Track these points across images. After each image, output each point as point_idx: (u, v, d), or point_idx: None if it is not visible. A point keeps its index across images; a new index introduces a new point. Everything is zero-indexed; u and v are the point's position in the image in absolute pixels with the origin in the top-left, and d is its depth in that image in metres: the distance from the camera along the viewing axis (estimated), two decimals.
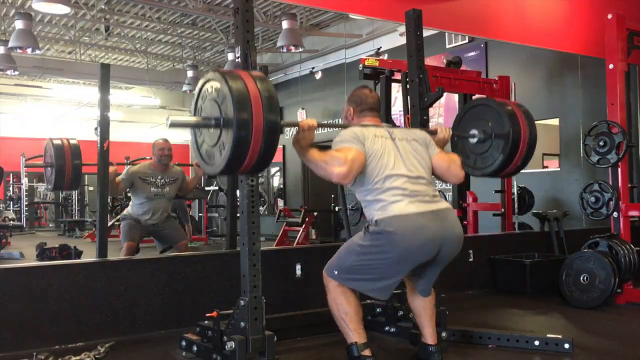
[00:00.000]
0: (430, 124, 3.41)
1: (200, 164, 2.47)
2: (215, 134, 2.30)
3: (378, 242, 2.43)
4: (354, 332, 2.51)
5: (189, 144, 16.46)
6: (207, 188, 13.03)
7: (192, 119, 2.43)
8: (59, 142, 4.33)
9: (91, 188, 15.23)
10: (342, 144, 2.52)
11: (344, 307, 2.52)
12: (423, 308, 2.69)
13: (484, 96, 3.15)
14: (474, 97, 5.84)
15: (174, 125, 2.31)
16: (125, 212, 4.76)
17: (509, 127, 3.07)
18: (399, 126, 3.01)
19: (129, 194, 5.54)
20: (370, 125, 2.66)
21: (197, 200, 11.46)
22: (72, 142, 4.36)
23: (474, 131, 3.21)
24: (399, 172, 2.51)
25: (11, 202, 13.74)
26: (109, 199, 4.26)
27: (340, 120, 10.58)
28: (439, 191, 2.68)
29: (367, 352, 2.49)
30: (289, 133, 12.20)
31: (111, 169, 4.25)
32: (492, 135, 3.15)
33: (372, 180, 2.50)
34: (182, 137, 16.74)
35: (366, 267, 2.47)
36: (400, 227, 2.38)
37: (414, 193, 2.48)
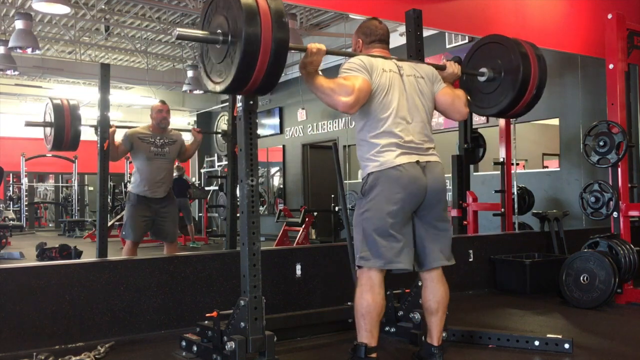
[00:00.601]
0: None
1: (206, 82, 2.46)
2: (223, 50, 2.29)
3: (373, 195, 2.47)
4: (368, 333, 2.45)
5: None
6: (207, 188, 13.05)
7: (200, 32, 2.41)
8: (58, 101, 4.29)
9: (91, 188, 15.25)
10: (349, 72, 2.50)
11: (368, 304, 2.45)
12: (436, 309, 2.63)
13: (494, 34, 3.15)
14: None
15: (181, 37, 2.30)
16: (128, 191, 4.68)
17: (520, 65, 3.03)
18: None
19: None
20: (379, 56, 2.64)
21: (197, 200, 11.46)
22: (71, 102, 4.33)
23: (483, 69, 3.18)
24: (401, 115, 2.53)
25: (11, 202, 13.75)
26: (109, 199, 4.24)
27: (339, 120, 10.59)
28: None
29: (373, 355, 2.46)
30: (289, 133, 12.25)
31: (111, 130, 4.21)
32: (501, 73, 3.10)
33: (376, 115, 2.51)
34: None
35: (370, 223, 2.47)
36: (391, 176, 2.45)
37: (408, 143, 2.51)
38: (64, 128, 4.21)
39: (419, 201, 2.51)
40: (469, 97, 3.12)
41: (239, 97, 2.68)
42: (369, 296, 2.46)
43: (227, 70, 2.28)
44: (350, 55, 2.66)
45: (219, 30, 2.31)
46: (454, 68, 2.91)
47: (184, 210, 9.76)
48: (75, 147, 4.41)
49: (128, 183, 11.33)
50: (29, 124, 4.55)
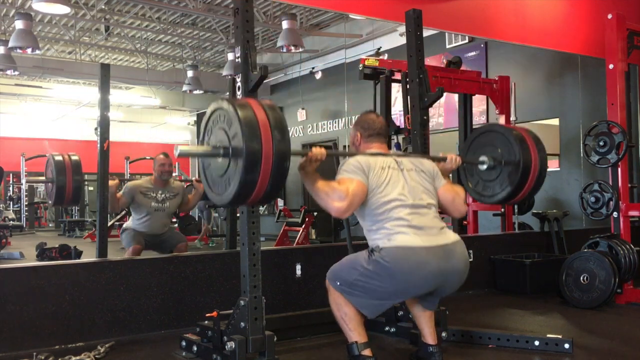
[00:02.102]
0: (430, 124, 3.41)
1: (208, 194, 2.44)
2: (224, 164, 2.26)
3: (379, 271, 2.42)
4: (354, 332, 2.52)
5: (189, 144, 16.50)
6: None
7: (201, 148, 2.40)
8: (60, 157, 4.33)
9: (91, 188, 15.23)
10: (345, 174, 2.51)
11: (343, 308, 2.53)
12: (422, 310, 2.71)
13: (494, 122, 3.15)
14: (473, 97, 5.85)
15: (182, 154, 2.28)
16: (125, 225, 4.80)
17: (519, 154, 3.03)
18: (404, 152, 3.00)
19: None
20: (378, 154, 2.65)
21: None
22: (73, 157, 4.36)
23: (483, 158, 3.18)
24: (405, 202, 2.50)
25: (11, 202, 13.73)
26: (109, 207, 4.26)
27: (339, 120, 10.59)
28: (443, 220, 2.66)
29: (367, 352, 2.50)
30: (290, 132, 12.24)
31: (112, 182, 4.25)
32: (502, 162, 3.12)
33: (377, 211, 2.49)
34: (183, 137, 16.78)
35: (366, 287, 2.47)
36: (401, 261, 2.38)
37: (420, 225, 2.47)
38: (65, 185, 4.25)
39: (432, 287, 2.49)
40: (470, 184, 3.20)
41: (239, 97, 2.68)
42: (342, 300, 2.54)
43: (229, 184, 2.25)
44: (350, 154, 2.67)
45: (219, 145, 2.28)
46: (453, 164, 2.92)
47: (205, 211, 10.13)
48: (77, 202, 4.48)
49: (128, 183, 11.34)
50: (29, 181, 4.64)
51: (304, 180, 2.53)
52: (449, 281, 2.50)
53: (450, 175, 2.99)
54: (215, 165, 2.34)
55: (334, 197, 2.43)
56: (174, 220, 7.06)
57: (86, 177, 15.00)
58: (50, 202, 4.52)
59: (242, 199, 2.26)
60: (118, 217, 10.00)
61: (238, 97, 2.68)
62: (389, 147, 5.11)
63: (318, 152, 2.48)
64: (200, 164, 2.49)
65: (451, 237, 2.54)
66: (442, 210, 2.75)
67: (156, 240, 4.69)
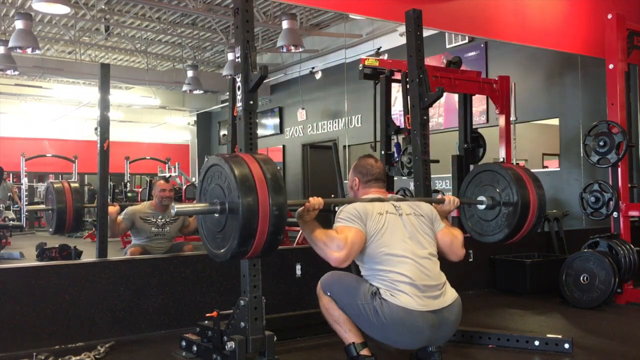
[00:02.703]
0: (430, 124, 3.41)
1: (207, 249, 2.46)
2: (222, 219, 2.29)
3: (374, 318, 2.43)
4: (349, 333, 2.52)
5: (189, 144, 16.51)
6: None
7: (198, 205, 2.42)
8: (59, 185, 4.33)
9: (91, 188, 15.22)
10: (343, 222, 2.52)
11: (335, 312, 2.55)
12: None
13: (491, 162, 3.19)
14: (473, 97, 5.84)
15: (180, 213, 2.34)
16: (129, 246, 4.82)
17: (517, 194, 3.04)
18: (404, 197, 3.03)
19: (129, 195, 5.53)
20: (376, 200, 2.66)
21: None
22: (73, 185, 4.37)
23: (481, 198, 3.22)
24: (406, 253, 2.49)
25: (11, 202, 13.72)
26: (109, 199, 4.26)
27: (339, 120, 10.59)
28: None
29: (365, 352, 2.51)
30: (289, 133, 12.25)
31: (112, 209, 4.26)
32: (500, 202, 3.14)
33: (377, 259, 2.50)
34: (183, 137, 16.78)
35: (358, 315, 2.49)
36: (398, 322, 2.40)
37: (422, 284, 2.45)
38: (65, 212, 4.25)
39: (420, 345, 2.57)
40: (469, 224, 3.22)
41: (239, 97, 2.68)
42: (333, 305, 2.55)
43: (227, 240, 2.27)
44: (348, 202, 2.69)
45: (215, 200, 2.31)
46: (451, 205, 2.95)
47: None
48: (78, 230, 4.47)
49: (128, 183, 11.34)
50: (30, 209, 4.65)
51: (303, 229, 2.57)
52: (433, 342, 2.57)
53: (450, 218, 3.01)
54: (213, 221, 2.37)
55: (332, 246, 2.45)
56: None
57: (86, 177, 15.07)
58: (50, 230, 4.50)
59: (240, 254, 2.28)
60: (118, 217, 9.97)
61: (238, 96, 2.68)
62: (390, 148, 5.14)
63: (315, 202, 2.53)
64: (198, 220, 2.51)
65: (449, 298, 2.54)
66: (440, 254, 2.73)
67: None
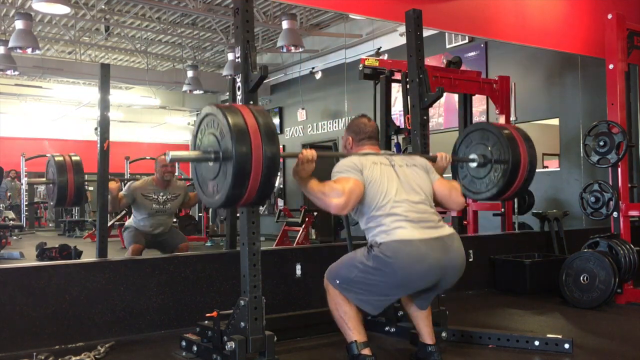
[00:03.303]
0: (430, 124, 3.41)
1: (200, 197, 2.49)
2: (215, 168, 2.32)
3: (380, 266, 2.42)
4: (353, 331, 2.52)
5: (189, 144, 16.50)
6: None
7: (192, 153, 2.45)
8: (60, 158, 4.32)
9: (91, 188, 15.22)
10: (340, 174, 2.53)
11: (343, 307, 2.54)
12: (416, 310, 2.71)
13: (483, 121, 3.23)
14: (473, 97, 5.85)
15: (174, 159, 2.35)
16: (127, 223, 4.81)
17: (508, 151, 3.08)
18: (403, 152, 3.06)
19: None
20: (370, 153, 2.67)
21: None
22: (74, 158, 4.35)
23: (473, 156, 3.24)
24: (401, 198, 2.51)
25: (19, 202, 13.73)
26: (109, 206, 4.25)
27: (339, 120, 10.59)
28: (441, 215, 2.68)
29: (366, 351, 2.50)
30: (289, 133, 12.25)
31: (113, 184, 4.26)
32: (492, 160, 3.17)
33: (374, 206, 2.50)
34: (183, 137, 16.78)
35: (366, 284, 2.48)
36: (401, 255, 2.38)
37: (417, 219, 2.48)
38: (66, 186, 4.23)
39: (431, 281, 2.48)
40: (461, 182, 3.24)
41: (238, 97, 2.68)
42: (340, 299, 2.55)
43: (221, 187, 2.30)
44: (341, 156, 2.70)
45: (210, 149, 2.33)
46: (444, 161, 2.97)
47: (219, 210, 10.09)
48: (79, 204, 4.46)
49: (130, 183, 11.33)
50: (31, 182, 4.63)
51: (300, 185, 2.56)
52: (448, 274, 2.50)
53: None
54: (207, 169, 2.40)
55: (332, 195, 2.46)
56: (175, 220, 7.05)
57: (86, 177, 15.08)
58: (51, 203, 4.50)
59: (232, 201, 2.31)
60: (118, 217, 10.01)
61: (238, 97, 2.68)
62: (389, 148, 5.14)
63: (308, 152, 2.52)
64: (192, 168, 2.54)
65: (447, 230, 2.55)
66: (440, 204, 2.76)
67: (157, 239, 4.71)
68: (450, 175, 3.46)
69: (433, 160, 2.93)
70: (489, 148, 3.20)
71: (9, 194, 12.13)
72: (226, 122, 2.23)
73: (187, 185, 5.26)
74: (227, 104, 2.48)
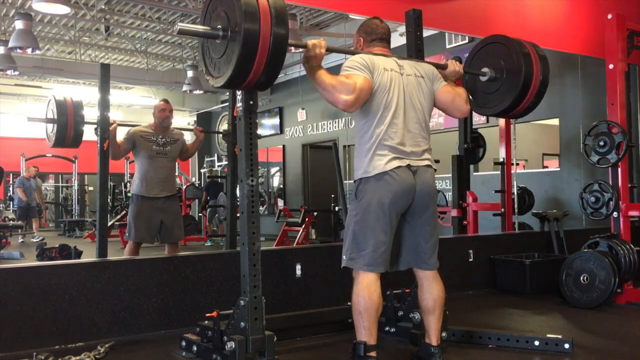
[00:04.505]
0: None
1: (206, 77, 2.49)
2: (223, 45, 2.32)
3: (362, 195, 2.52)
4: (366, 331, 2.48)
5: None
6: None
7: (201, 27, 2.44)
8: (61, 98, 4.30)
9: (91, 188, 15.25)
10: (351, 70, 2.51)
11: (365, 301, 2.48)
12: (433, 308, 2.66)
13: (497, 34, 3.16)
14: None
15: (182, 32, 2.32)
16: (131, 190, 4.65)
17: (522, 64, 3.03)
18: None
19: (129, 194, 5.48)
20: (380, 55, 2.65)
21: (197, 200, 11.46)
22: (75, 99, 4.33)
23: (485, 69, 3.18)
24: (399, 115, 2.54)
25: (11, 202, 13.72)
26: (109, 199, 4.23)
27: (339, 120, 10.59)
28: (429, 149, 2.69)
29: (372, 354, 2.48)
30: (289, 133, 12.25)
31: (112, 126, 4.20)
32: (503, 73, 3.11)
33: (376, 114, 2.53)
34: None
35: (362, 227, 2.51)
36: (379, 183, 2.49)
37: (402, 147, 2.53)
38: (66, 125, 4.20)
39: (406, 203, 2.55)
40: (470, 97, 3.14)
41: (239, 97, 2.67)
42: (365, 294, 2.49)
43: (227, 65, 2.31)
44: (352, 53, 2.67)
45: (219, 26, 2.34)
46: (455, 66, 2.92)
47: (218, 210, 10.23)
48: (78, 144, 4.41)
49: (128, 183, 11.35)
50: (31, 119, 4.58)
51: (310, 75, 2.53)
52: (418, 196, 2.55)
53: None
54: (215, 47, 2.39)
55: (342, 89, 2.45)
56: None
57: (86, 177, 15.08)
58: (49, 143, 4.45)
59: (239, 80, 2.31)
60: (118, 217, 10.02)
61: (238, 96, 2.68)
62: None
63: (317, 41, 2.49)
64: (200, 49, 2.53)
65: (425, 162, 2.61)
66: (444, 112, 2.80)
67: (163, 206, 4.52)
68: None
69: (444, 68, 2.90)
70: (502, 62, 3.13)
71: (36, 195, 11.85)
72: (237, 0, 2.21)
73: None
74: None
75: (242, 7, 2.20)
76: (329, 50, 2.54)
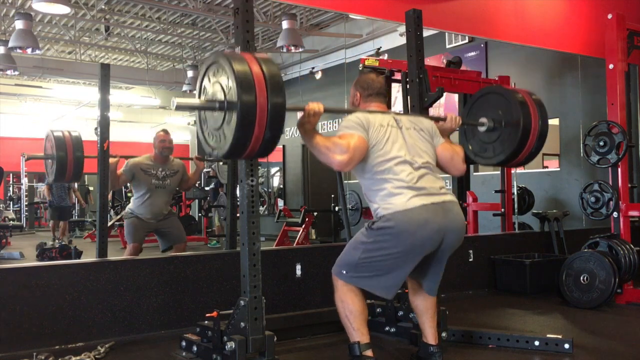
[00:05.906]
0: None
1: (205, 148, 2.46)
2: (220, 117, 2.29)
3: (382, 238, 2.43)
4: (357, 332, 2.50)
5: (189, 144, 16.50)
6: (206, 188, 13.03)
7: (197, 101, 2.42)
8: (59, 133, 4.30)
9: (91, 188, 15.23)
10: (345, 130, 2.52)
11: (349, 305, 2.51)
12: (425, 308, 2.69)
13: (495, 85, 3.10)
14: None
15: (179, 107, 2.30)
16: (127, 209, 4.73)
17: (519, 116, 3.02)
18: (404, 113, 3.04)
19: (129, 195, 5.49)
20: (377, 112, 2.65)
21: (197, 200, 11.46)
22: (73, 134, 4.33)
23: (483, 119, 3.18)
24: (404, 159, 2.50)
25: (11, 202, 13.74)
26: (109, 198, 4.22)
27: (339, 120, 10.59)
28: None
29: (368, 353, 2.49)
30: (288, 133, 12.24)
31: (112, 160, 4.22)
32: (502, 124, 3.11)
33: (375, 167, 2.50)
34: (183, 137, 16.77)
35: (371, 263, 2.47)
36: (404, 223, 2.39)
37: (419, 187, 2.47)
38: (65, 162, 4.20)
39: (434, 245, 2.48)
40: (470, 146, 3.19)
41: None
42: (348, 298, 2.52)
43: (225, 137, 2.27)
44: (348, 112, 2.67)
45: (214, 98, 2.29)
46: (453, 122, 2.92)
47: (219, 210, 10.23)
48: (79, 179, 4.40)
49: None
50: (30, 157, 4.57)
51: (304, 138, 2.52)
52: (448, 236, 2.48)
53: (451, 136, 2.98)
54: (212, 118, 2.37)
55: (336, 150, 2.44)
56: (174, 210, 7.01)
57: (86, 177, 15.08)
58: (50, 179, 4.46)
59: (238, 151, 2.27)
60: (118, 217, 10.01)
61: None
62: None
63: (315, 105, 2.48)
64: (197, 119, 2.50)
65: (448, 196, 2.56)
66: (441, 169, 2.77)
67: (158, 225, 4.62)
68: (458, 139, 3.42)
69: (442, 120, 2.91)
70: (500, 112, 3.12)
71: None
72: (231, 71, 2.18)
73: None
74: (233, 51, 2.44)
75: (237, 79, 2.16)
76: (327, 111, 2.53)
